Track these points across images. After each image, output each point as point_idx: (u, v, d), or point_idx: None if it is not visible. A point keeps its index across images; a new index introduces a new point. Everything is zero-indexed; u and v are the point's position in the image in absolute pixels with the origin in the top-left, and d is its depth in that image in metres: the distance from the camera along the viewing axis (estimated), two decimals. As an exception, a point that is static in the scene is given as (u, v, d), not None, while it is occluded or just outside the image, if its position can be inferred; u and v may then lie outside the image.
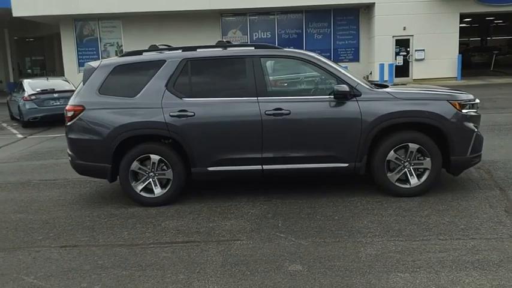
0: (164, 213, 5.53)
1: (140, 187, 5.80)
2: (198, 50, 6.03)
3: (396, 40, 22.18)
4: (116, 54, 24.24)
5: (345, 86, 5.52)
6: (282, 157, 5.69)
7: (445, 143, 5.59)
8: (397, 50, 22.27)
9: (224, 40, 6.20)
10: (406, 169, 5.65)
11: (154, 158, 5.73)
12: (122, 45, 23.87)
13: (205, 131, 5.68)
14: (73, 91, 6.57)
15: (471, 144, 5.61)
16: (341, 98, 5.54)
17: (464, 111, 5.62)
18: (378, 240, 4.44)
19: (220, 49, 6.00)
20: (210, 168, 5.74)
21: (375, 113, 5.54)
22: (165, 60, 5.83)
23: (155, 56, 5.95)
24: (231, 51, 5.96)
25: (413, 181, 5.65)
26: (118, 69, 5.89)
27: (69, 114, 5.86)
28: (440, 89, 6.50)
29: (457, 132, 5.57)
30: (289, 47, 23.04)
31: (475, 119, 5.80)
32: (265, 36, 23.61)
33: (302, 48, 23.35)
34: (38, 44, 34.12)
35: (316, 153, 5.67)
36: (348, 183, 6.26)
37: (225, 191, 6.22)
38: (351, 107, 5.56)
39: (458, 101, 5.61)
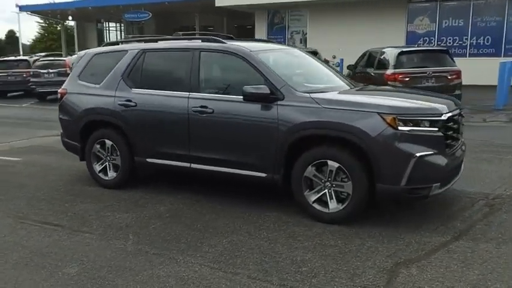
0: (102, 196, 5.80)
1: (99, 168, 6.22)
2: (158, 42, 6.08)
3: None
4: (301, 42, 24.92)
5: (263, 87, 4.87)
6: (207, 158, 5.37)
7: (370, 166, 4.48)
8: None
9: (180, 33, 6.06)
10: (326, 190, 4.72)
11: (108, 143, 6.07)
12: (306, 33, 24.32)
13: (143, 122, 5.75)
14: None
15: (407, 171, 4.33)
16: (255, 100, 4.93)
17: (404, 128, 4.36)
18: (192, 262, 3.92)
19: (175, 42, 5.93)
20: (148, 160, 5.80)
21: (290, 121, 4.77)
22: (127, 51, 6.06)
23: (122, 46, 6.24)
24: (180, 43, 5.84)
25: (333, 205, 4.69)
26: (95, 58, 6.37)
27: (59, 96, 6.62)
28: (400, 95, 5.18)
29: (384, 153, 4.39)
30: (484, 37, 20.21)
31: (429, 140, 4.44)
32: (456, 24, 20.94)
33: (502, 39, 20.13)
34: (252, 31, 37.05)
35: (237, 158, 5.18)
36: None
37: (180, 185, 6.15)
38: (271, 111, 4.89)
39: (396, 115, 4.38)
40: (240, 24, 35.99)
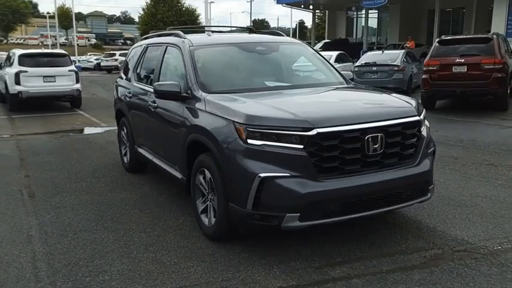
0: (105, 178, 6.41)
1: (123, 152, 6.88)
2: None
3: None
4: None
5: (171, 84, 4.63)
6: (160, 152, 5.43)
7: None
8: None
9: (172, 27, 6.01)
10: (208, 202, 4.26)
11: (125, 131, 6.65)
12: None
13: (133, 114, 6.12)
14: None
15: (251, 193, 3.57)
16: (166, 97, 4.73)
17: (255, 142, 3.58)
18: (43, 250, 4.13)
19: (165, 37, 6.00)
20: (139, 149, 6.14)
21: (187, 123, 4.46)
22: (142, 45, 6.46)
23: (144, 41, 6.61)
24: (161, 39, 5.88)
25: (209, 220, 4.22)
26: (132, 52, 6.96)
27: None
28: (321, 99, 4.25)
29: (231, 169, 3.72)
30: None
31: (286, 159, 3.54)
32: None
33: None
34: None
35: (170, 156, 5.10)
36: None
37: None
38: (182, 111, 4.63)
39: (246, 125, 3.63)
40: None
